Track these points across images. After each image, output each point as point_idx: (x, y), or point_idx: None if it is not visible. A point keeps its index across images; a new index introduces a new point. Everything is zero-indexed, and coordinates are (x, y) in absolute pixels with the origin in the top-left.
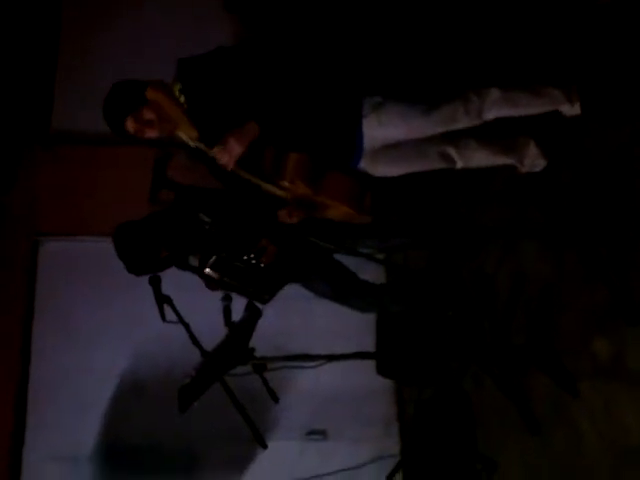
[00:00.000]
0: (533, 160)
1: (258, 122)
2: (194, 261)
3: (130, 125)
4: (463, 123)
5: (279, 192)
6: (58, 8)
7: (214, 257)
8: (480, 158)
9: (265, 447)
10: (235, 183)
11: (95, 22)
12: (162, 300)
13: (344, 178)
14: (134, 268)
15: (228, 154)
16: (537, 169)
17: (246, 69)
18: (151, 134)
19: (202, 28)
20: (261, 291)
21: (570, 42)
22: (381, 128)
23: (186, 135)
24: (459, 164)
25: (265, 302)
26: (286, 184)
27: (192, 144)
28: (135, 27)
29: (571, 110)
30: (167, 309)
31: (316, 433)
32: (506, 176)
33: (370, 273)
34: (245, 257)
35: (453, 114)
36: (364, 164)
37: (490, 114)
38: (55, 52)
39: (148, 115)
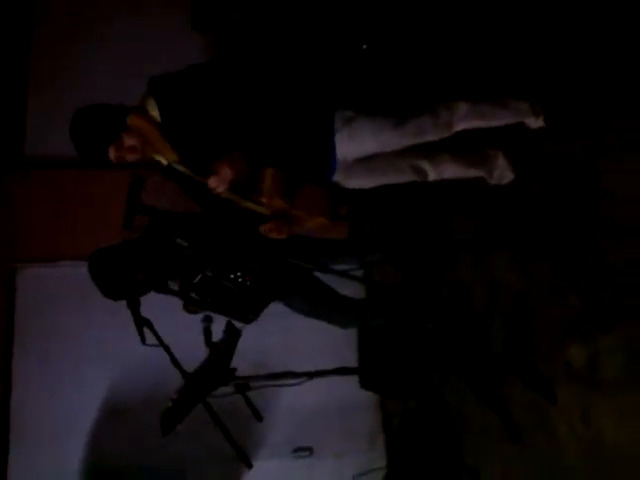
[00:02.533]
0: (501, 172)
1: (233, 138)
2: (173, 285)
3: (112, 154)
4: (432, 136)
5: (257, 208)
6: (28, 35)
7: (199, 276)
8: (452, 170)
9: (250, 467)
10: (211, 202)
11: (65, 44)
12: (141, 323)
13: (319, 190)
14: (110, 293)
15: (223, 182)
16: (505, 181)
17: (218, 85)
18: (132, 159)
19: (171, 47)
20: (245, 311)
21: (535, 53)
22: (352, 142)
23: (166, 158)
24: (431, 176)
25: (250, 322)
26: (264, 200)
27: (174, 166)
28: (105, 48)
29: (535, 123)
30: (147, 332)
31: (302, 450)
32: (477, 188)
33: (349, 289)
34: (232, 276)
35: (422, 127)
36: (338, 177)
37: (459, 126)
38: (26, 77)
39: (130, 142)
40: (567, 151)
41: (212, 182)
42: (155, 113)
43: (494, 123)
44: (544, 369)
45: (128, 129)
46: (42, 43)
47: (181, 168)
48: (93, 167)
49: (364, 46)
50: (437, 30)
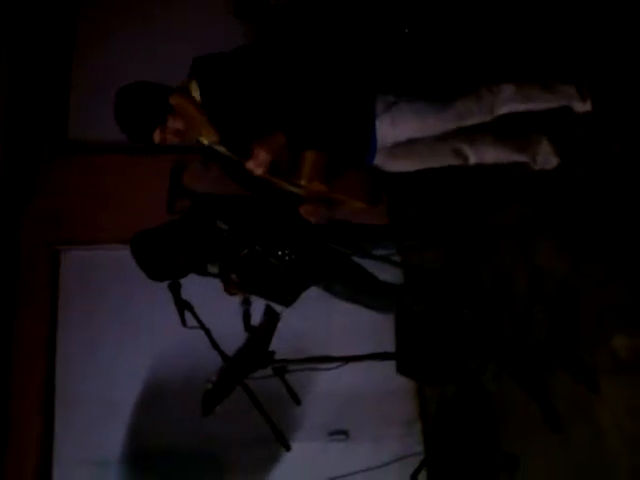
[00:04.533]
0: (546, 157)
1: (273, 121)
2: (213, 268)
3: (157, 136)
4: (475, 119)
5: (295, 190)
6: (73, 17)
7: (246, 250)
8: (493, 155)
9: (288, 449)
10: (251, 183)
11: (109, 31)
12: (182, 306)
13: (359, 174)
14: (154, 275)
15: (260, 165)
16: (549, 166)
17: (262, 69)
18: (175, 141)
19: (215, 35)
20: (284, 293)
21: (584, 36)
22: (394, 127)
23: (208, 139)
24: (472, 160)
25: (289, 304)
26: (303, 182)
27: (214, 147)
28: (149, 35)
29: (583, 107)
30: (188, 315)
31: (338, 433)
32: (520, 173)
33: (387, 273)
34: (280, 252)
35: (465, 111)
36: (378, 161)
37: (502, 110)
38: (70, 61)
39: (176, 125)
40: (615, 134)
41: (250, 164)
42: (197, 94)
43: (539, 107)
44: (588, 358)
45: (173, 111)
46: (87, 28)
47: (221, 149)
48: (137, 146)
49: (406, 30)
50: (482, 10)
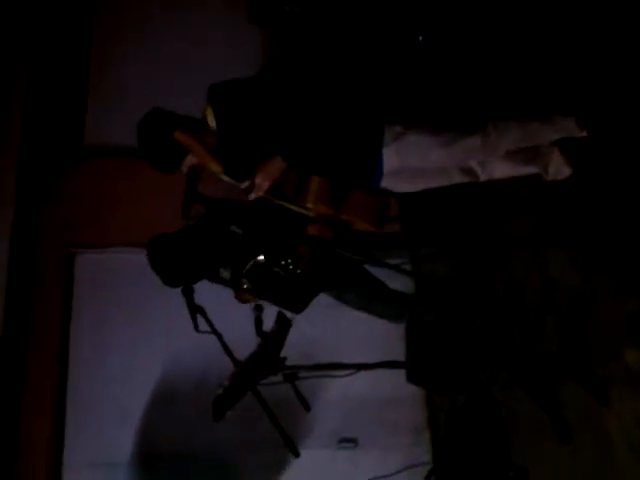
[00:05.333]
0: (557, 168)
1: (282, 147)
2: (225, 273)
3: (184, 168)
4: (479, 157)
5: (303, 211)
6: (90, 23)
7: (252, 262)
8: (503, 169)
9: (297, 455)
10: (263, 205)
11: (126, 36)
12: (195, 310)
13: (365, 197)
14: (169, 280)
15: (256, 191)
16: (562, 177)
17: (274, 96)
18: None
19: (231, 40)
20: (295, 300)
21: (583, 63)
22: (400, 157)
23: (213, 170)
24: (482, 177)
25: (299, 311)
26: (309, 205)
27: (220, 177)
28: (165, 40)
29: (580, 134)
30: (200, 319)
31: (347, 441)
32: (532, 184)
33: (398, 282)
34: (283, 262)
35: (471, 149)
36: (385, 184)
37: (506, 147)
38: (86, 67)
39: (192, 162)
40: (626, 146)
41: (247, 189)
42: (212, 121)
43: (542, 142)
44: (600, 371)
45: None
46: (103, 34)
47: (225, 179)
48: None
49: (420, 37)
50: (484, 44)
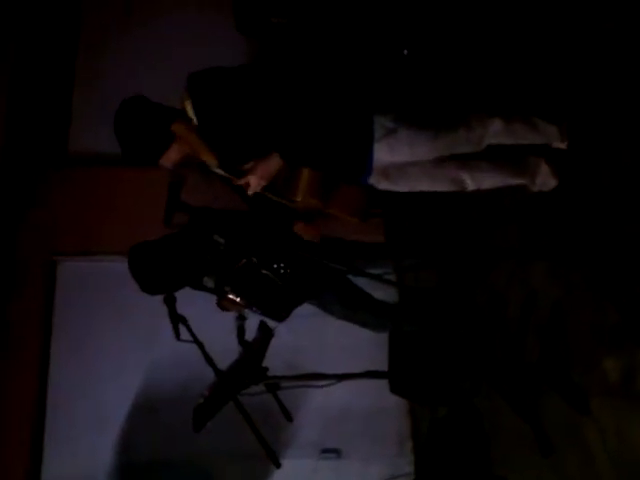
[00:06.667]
0: (544, 179)
1: (270, 140)
2: (208, 281)
3: (163, 162)
4: (464, 149)
5: (291, 205)
6: (75, 30)
7: (244, 261)
8: (490, 180)
9: (279, 466)
10: (252, 199)
11: (112, 45)
12: (177, 319)
13: (352, 191)
14: (148, 288)
15: (254, 187)
16: (548, 188)
17: (258, 87)
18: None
19: (215, 49)
20: (279, 307)
21: (569, 71)
22: (390, 152)
23: (208, 163)
24: (470, 187)
25: (282, 319)
26: (299, 199)
27: (214, 171)
28: (153, 50)
29: (560, 145)
30: (182, 328)
31: (330, 452)
32: (516, 196)
33: (381, 292)
34: (275, 265)
35: (455, 141)
36: (373, 180)
37: (490, 141)
38: (72, 75)
39: (178, 154)
40: (609, 160)
41: (245, 186)
42: (191, 113)
43: (521, 142)
44: (579, 381)
45: (177, 140)
46: (88, 41)
47: (220, 172)
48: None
49: (405, 51)
50: (475, 41)
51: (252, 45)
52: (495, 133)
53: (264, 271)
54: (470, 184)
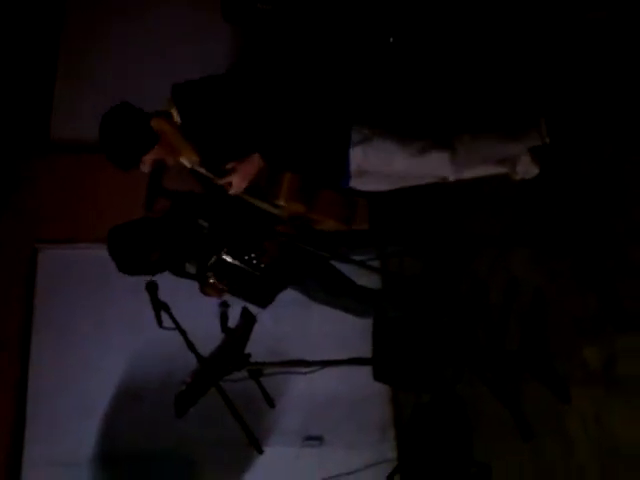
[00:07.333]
0: (526, 167)
1: (252, 144)
2: (191, 267)
3: (144, 165)
4: (445, 173)
5: (274, 210)
6: (59, 17)
7: (214, 257)
8: (471, 171)
9: (261, 452)
10: (231, 202)
11: (95, 30)
12: (159, 306)
13: (334, 195)
14: (124, 267)
15: (235, 188)
16: (530, 176)
17: (240, 94)
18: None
19: (202, 38)
20: (260, 294)
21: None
22: (366, 160)
23: (189, 161)
24: (451, 178)
25: (264, 306)
26: (281, 203)
27: (195, 168)
28: (135, 36)
29: (542, 142)
30: (164, 315)
31: (313, 439)
32: (498, 184)
33: (365, 279)
34: (246, 257)
35: (438, 165)
36: (353, 183)
37: (472, 173)
38: (54, 61)
39: (159, 154)
40: (592, 149)
41: (226, 186)
42: (178, 119)
43: (507, 156)
44: (560, 367)
45: (159, 141)
46: (72, 28)
47: (202, 170)
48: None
49: (391, 39)
50: (457, 26)
51: (239, 39)
52: (480, 160)
53: (236, 262)
54: (451, 175)
